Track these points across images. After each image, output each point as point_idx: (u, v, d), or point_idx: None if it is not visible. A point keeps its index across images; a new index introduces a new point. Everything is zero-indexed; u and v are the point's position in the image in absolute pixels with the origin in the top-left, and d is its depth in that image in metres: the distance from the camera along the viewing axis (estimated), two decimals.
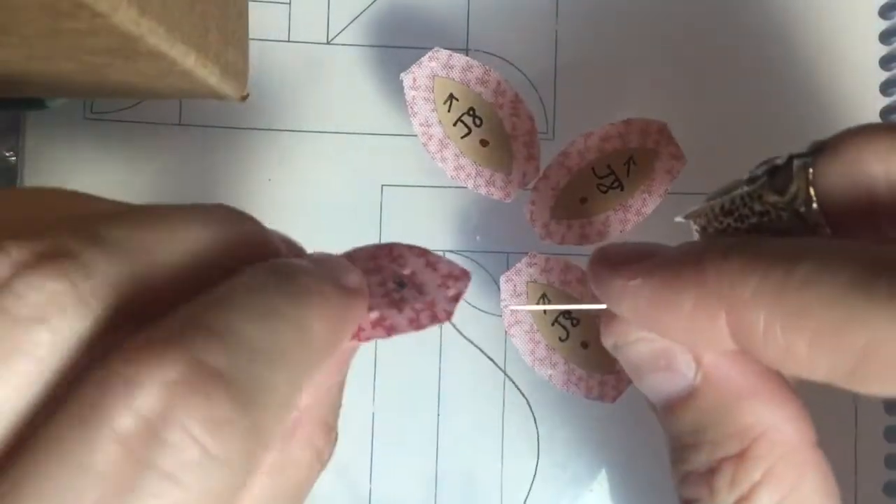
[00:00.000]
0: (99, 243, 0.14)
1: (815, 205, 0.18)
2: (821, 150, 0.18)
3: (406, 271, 0.20)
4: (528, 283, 0.29)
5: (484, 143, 0.29)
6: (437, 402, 0.32)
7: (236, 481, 0.13)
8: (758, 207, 0.19)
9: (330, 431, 0.18)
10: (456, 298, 0.20)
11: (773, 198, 0.19)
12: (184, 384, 0.13)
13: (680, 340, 0.19)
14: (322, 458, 0.18)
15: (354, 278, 0.18)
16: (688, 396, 0.20)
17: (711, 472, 0.19)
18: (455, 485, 0.32)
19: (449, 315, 0.19)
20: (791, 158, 0.19)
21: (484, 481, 0.32)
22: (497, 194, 0.29)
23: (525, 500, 0.32)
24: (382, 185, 0.33)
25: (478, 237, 0.33)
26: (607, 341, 0.21)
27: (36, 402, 0.13)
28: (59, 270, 0.14)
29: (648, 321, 0.19)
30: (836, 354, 0.16)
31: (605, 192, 0.29)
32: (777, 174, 0.19)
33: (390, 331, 0.19)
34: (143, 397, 0.13)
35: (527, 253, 0.29)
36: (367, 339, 0.19)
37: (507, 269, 0.29)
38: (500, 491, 0.32)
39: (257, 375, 0.14)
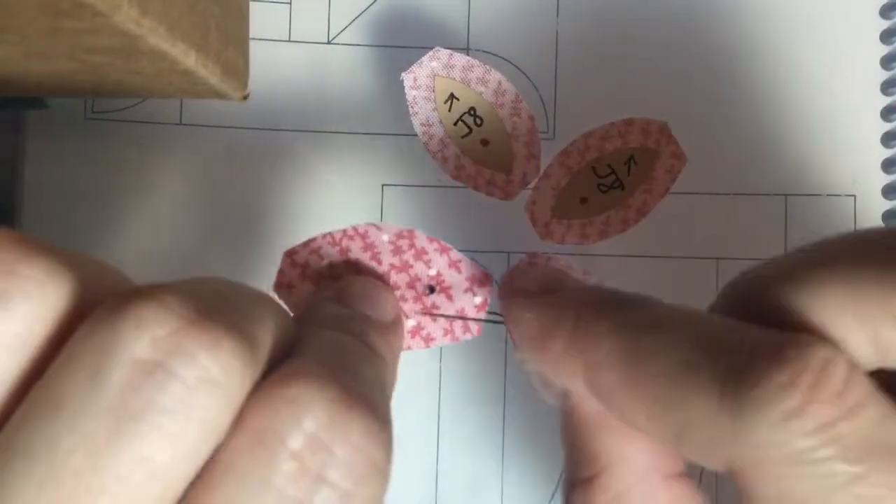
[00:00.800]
0: (243, 313, 0.15)
1: None
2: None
3: (432, 271, 0.22)
4: None
5: (485, 142, 0.29)
6: (438, 402, 0.32)
7: (387, 485, 0.15)
8: None
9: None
10: (483, 306, 0.22)
11: None
12: (342, 404, 0.15)
13: (553, 373, 0.21)
14: None
15: (391, 310, 0.21)
16: (565, 416, 0.21)
17: (571, 489, 0.21)
18: (455, 485, 0.32)
19: (480, 329, 0.22)
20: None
21: (484, 481, 0.32)
22: (497, 194, 0.29)
23: (525, 500, 0.32)
24: (383, 185, 0.33)
25: (478, 237, 0.33)
26: (514, 353, 0.23)
27: (202, 459, 0.14)
28: (232, 333, 0.14)
29: (529, 351, 0.21)
30: (661, 427, 0.17)
31: (606, 192, 0.29)
32: None
33: (428, 341, 0.21)
34: (311, 419, 0.14)
35: (527, 252, 0.29)
36: (409, 348, 0.21)
37: (508, 268, 0.29)
38: (499, 491, 0.32)
39: (378, 398, 0.16)
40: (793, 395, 0.15)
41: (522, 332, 0.21)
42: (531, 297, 0.21)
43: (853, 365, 0.16)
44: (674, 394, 0.17)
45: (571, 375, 0.20)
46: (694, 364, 0.16)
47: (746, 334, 0.17)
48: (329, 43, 0.33)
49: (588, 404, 0.20)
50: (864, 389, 0.15)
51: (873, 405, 0.15)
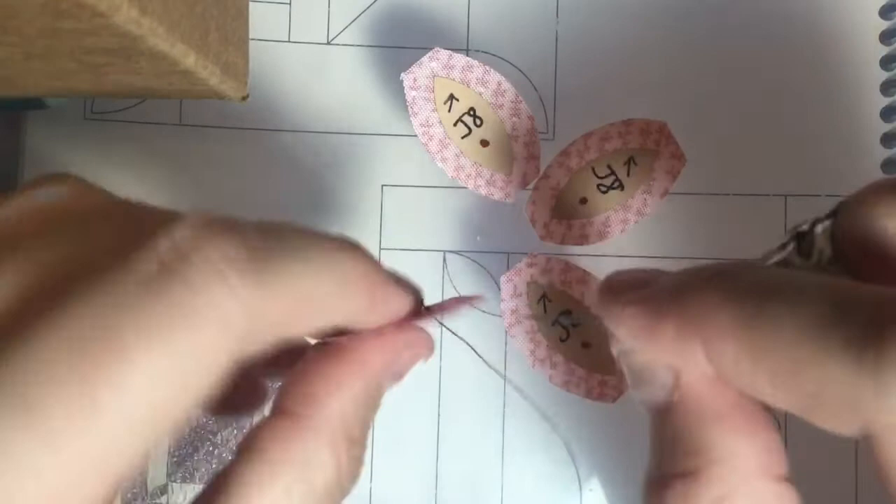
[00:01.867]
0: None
1: (836, 265, 0.19)
2: (836, 212, 0.19)
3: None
4: (528, 283, 0.29)
5: (484, 143, 0.29)
6: (438, 402, 0.32)
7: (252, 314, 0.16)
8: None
9: (353, 445, 0.19)
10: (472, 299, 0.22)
11: (800, 262, 0.20)
12: (207, 234, 0.16)
13: (667, 361, 0.20)
14: (343, 473, 0.19)
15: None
16: (665, 410, 0.21)
17: (664, 485, 0.20)
18: (455, 485, 0.32)
19: (478, 299, 0.22)
20: (814, 223, 0.20)
21: (484, 481, 0.32)
22: (497, 194, 0.29)
23: (525, 500, 0.32)
24: (382, 186, 0.33)
25: (478, 237, 0.33)
26: (612, 349, 0.23)
27: None
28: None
29: (640, 343, 0.21)
30: (792, 392, 0.17)
31: (606, 193, 0.29)
32: (803, 240, 0.20)
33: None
34: (179, 232, 0.16)
35: (527, 253, 0.29)
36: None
37: (508, 269, 0.29)
38: (500, 491, 0.32)
39: (276, 255, 0.17)
40: None
41: (628, 326, 0.21)
42: (628, 293, 0.21)
43: None
44: (806, 356, 0.16)
45: (688, 358, 0.19)
46: (827, 324, 0.16)
47: (880, 292, 0.16)
48: (329, 43, 0.33)
49: (699, 393, 0.20)
50: None
51: None
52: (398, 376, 0.21)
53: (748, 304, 0.18)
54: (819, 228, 0.20)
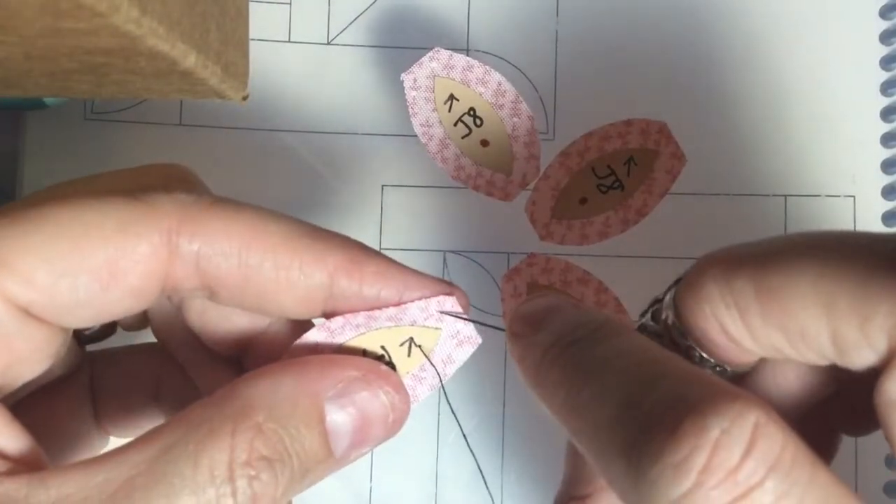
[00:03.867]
0: None
1: (676, 328, 0.20)
2: (679, 281, 0.20)
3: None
4: (528, 283, 0.29)
5: (484, 143, 0.29)
6: (438, 400, 0.32)
7: None
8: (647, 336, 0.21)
9: (259, 437, 0.18)
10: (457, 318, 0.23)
11: (652, 326, 0.21)
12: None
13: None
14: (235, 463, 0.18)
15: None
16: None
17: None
18: (455, 484, 0.32)
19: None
20: (667, 291, 0.20)
21: (484, 481, 0.32)
22: (497, 194, 0.29)
23: (525, 500, 0.32)
24: (383, 186, 0.33)
25: (478, 237, 0.33)
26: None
27: None
28: None
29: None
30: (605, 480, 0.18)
31: (606, 193, 0.29)
32: (659, 304, 0.21)
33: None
34: None
35: (527, 253, 0.29)
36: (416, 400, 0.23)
37: (508, 269, 0.29)
38: (500, 490, 0.32)
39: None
40: (686, 477, 0.15)
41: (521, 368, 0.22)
42: (516, 338, 0.22)
43: (760, 426, 0.15)
44: (598, 453, 0.17)
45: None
46: (614, 424, 0.17)
47: (660, 392, 0.17)
48: (329, 43, 0.33)
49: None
50: (764, 461, 0.15)
51: (771, 481, 0.15)
52: (344, 404, 0.20)
53: (572, 390, 0.18)
54: (667, 297, 0.20)
